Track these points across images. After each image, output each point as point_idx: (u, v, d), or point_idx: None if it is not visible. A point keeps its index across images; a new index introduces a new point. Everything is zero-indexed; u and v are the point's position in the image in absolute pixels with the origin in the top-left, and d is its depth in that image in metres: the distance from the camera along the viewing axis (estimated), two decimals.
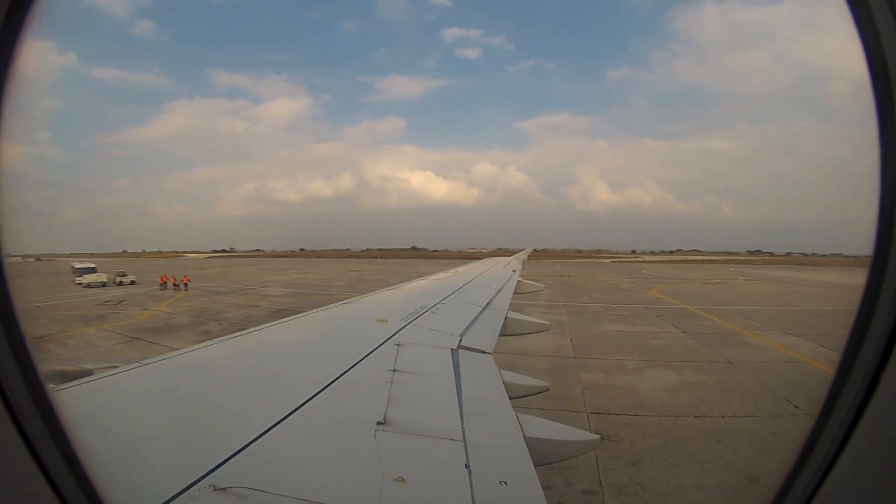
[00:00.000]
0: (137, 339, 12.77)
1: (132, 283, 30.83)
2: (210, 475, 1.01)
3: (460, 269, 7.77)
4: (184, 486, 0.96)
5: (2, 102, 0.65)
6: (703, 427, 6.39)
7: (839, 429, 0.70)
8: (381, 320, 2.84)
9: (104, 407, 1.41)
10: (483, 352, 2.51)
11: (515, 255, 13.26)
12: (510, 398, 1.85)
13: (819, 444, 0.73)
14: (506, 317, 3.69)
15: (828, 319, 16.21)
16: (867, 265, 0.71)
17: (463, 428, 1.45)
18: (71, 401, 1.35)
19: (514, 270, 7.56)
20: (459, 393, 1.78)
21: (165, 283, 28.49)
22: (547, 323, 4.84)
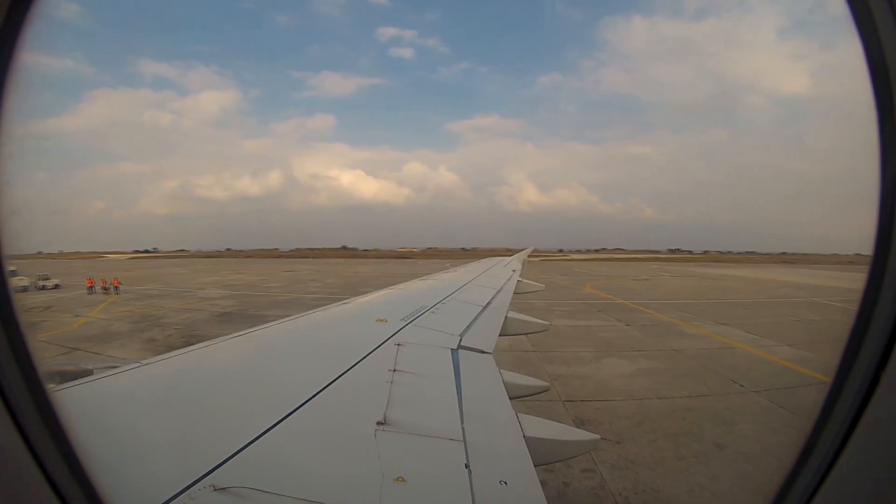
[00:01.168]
0: (77, 349, 11.82)
1: (56, 286, 28.74)
2: (210, 475, 1.01)
3: (460, 268, 7.77)
4: (184, 486, 0.96)
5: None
6: (666, 407, 7.10)
7: (839, 429, 0.70)
8: (381, 320, 2.84)
9: (104, 407, 1.41)
10: (483, 351, 2.51)
11: (516, 255, 13.25)
12: (510, 398, 1.85)
13: (819, 444, 0.73)
14: (506, 317, 3.69)
15: (752, 310, 18.24)
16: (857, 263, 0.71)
17: (463, 428, 1.45)
18: (71, 401, 1.35)
19: (513, 270, 7.56)
20: (459, 393, 1.78)
21: (93, 286, 26.65)
22: (547, 323, 4.84)
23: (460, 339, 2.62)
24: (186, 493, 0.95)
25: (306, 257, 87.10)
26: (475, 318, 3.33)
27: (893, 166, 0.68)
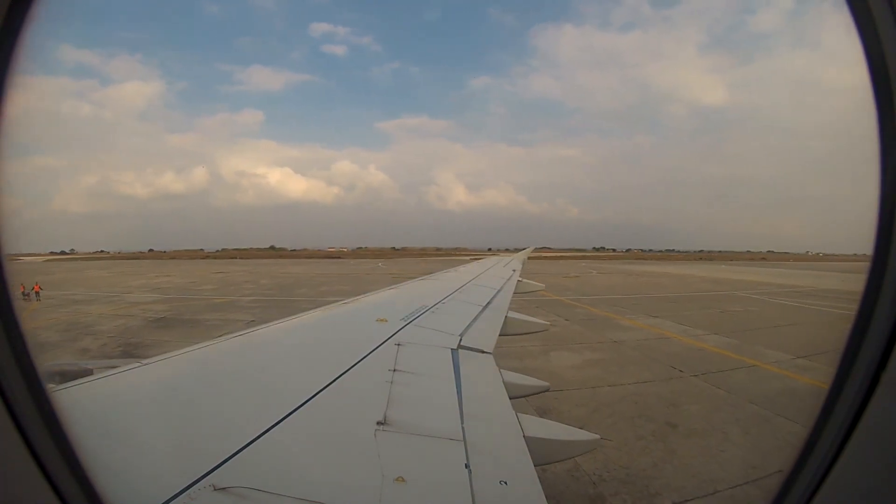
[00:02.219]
0: None
1: None
2: (210, 475, 1.01)
3: (460, 268, 7.77)
4: (184, 486, 0.96)
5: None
6: (617, 393, 7.64)
7: (839, 429, 0.70)
8: (381, 320, 2.84)
9: (104, 407, 1.41)
10: (483, 351, 2.51)
11: (516, 255, 13.25)
12: (510, 398, 1.85)
13: (819, 444, 0.73)
14: (506, 316, 3.69)
15: (679, 304, 19.44)
16: (867, 263, 0.71)
17: (463, 428, 1.45)
18: (71, 401, 1.35)
19: (514, 270, 7.56)
20: (459, 393, 1.78)
21: None
22: (547, 323, 4.85)
23: (460, 339, 2.62)
24: (186, 493, 0.95)
25: (234, 258, 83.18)
26: (475, 318, 3.33)
27: (893, 166, 0.68)
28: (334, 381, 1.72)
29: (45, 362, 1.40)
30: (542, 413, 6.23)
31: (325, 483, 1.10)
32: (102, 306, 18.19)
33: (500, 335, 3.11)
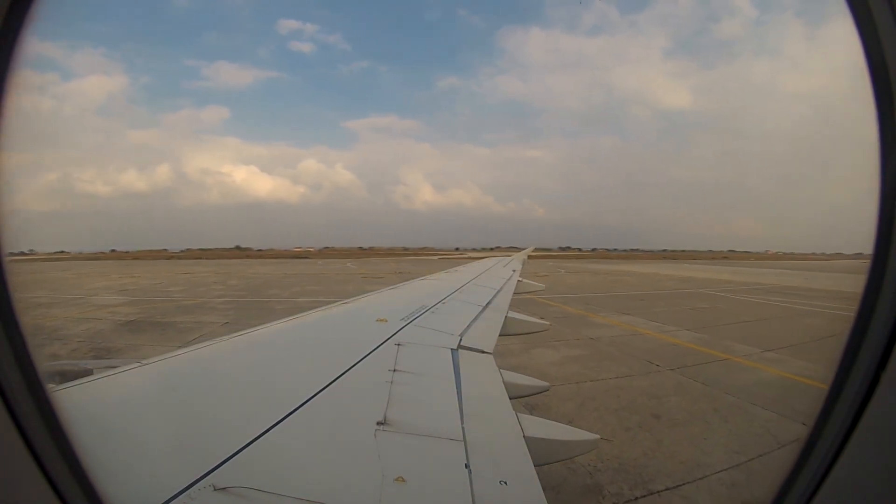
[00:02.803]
0: None
1: None
2: (210, 475, 1.01)
3: (460, 268, 7.77)
4: (184, 486, 0.96)
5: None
6: (600, 388, 7.85)
7: (839, 429, 0.70)
8: (381, 320, 2.84)
9: (104, 407, 1.41)
10: (483, 351, 2.51)
11: (516, 255, 13.26)
12: (510, 398, 1.86)
13: (819, 444, 0.73)
14: (506, 317, 3.69)
15: (647, 301, 19.65)
16: (865, 266, 0.71)
17: (463, 428, 1.45)
18: (71, 401, 1.35)
19: (514, 270, 7.56)
20: (459, 393, 1.78)
21: None
22: (547, 323, 4.85)
23: (460, 339, 2.62)
24: (186, 493, 0.95)
25: (199, 258, 79.05)
26: (475, 318, 3.33)
27: (893, 166, 0.68)
28: (334, 381, 1.72)
29: (45, 362, 1.40)
30: (533, 409, 6.22)
31: (325, 483, 1.10)
32: (68, 309, 17.36)
33: (500, 335, 3.11)
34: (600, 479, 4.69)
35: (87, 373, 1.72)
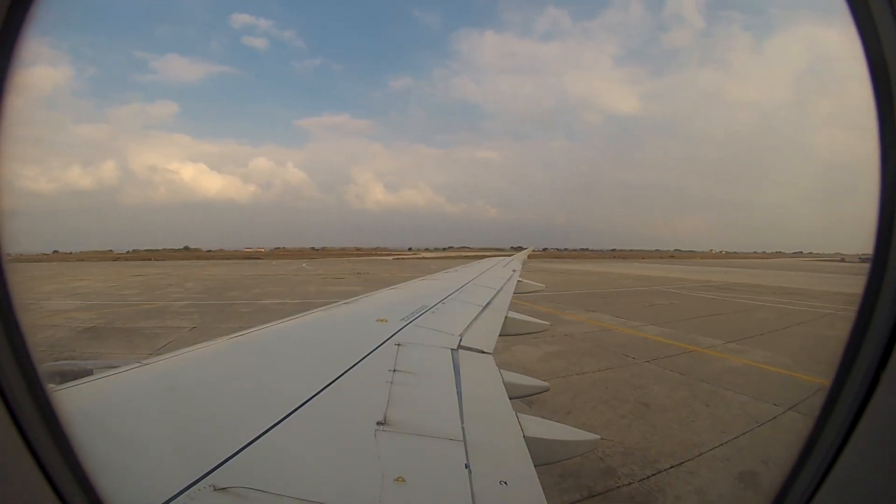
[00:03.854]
0: None
1: None
2: (210, 475, 1.01)
3: (460, 268, 7.77)
4: (184, 486, 0.96)
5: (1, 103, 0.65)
6: (587, 380, 8.32)
7: (839, 429, 0.70)
8: (381, 320, 2.84)
9: (104, 407, 1.41)
10: (483, 352, 2.51)
11: (516, 255, 13.27)
12: (510, 398, 1.85)
13: (819, 444, 0.73)
14: (506, 317, 3.69)
15: (609, 299, 20.58)
16: (869, 265, 0.71)
17: (463, 428, 1.45)
18: (71, 401, 1.35)
19: (514, 270, 7.56)
20: (459, 393, 1.78)
21: None
22: (547, 323, 4.84)
23: (460, 339, 2.62)
24: (186, 493, 0.95)
25: (148, 259, 75.66)
26: (475, 318, 3.33)
27: (893, 166, 0.68)
28: (334, 381, 1.72)
29: (45, 362, 1.40)
30: (531, 404, 6.45)
31: (325, 483, 1.10)
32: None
33: (500, 335, 3.11)
34: (611, 462, 5.09)
35: (87, 373, 1.72)
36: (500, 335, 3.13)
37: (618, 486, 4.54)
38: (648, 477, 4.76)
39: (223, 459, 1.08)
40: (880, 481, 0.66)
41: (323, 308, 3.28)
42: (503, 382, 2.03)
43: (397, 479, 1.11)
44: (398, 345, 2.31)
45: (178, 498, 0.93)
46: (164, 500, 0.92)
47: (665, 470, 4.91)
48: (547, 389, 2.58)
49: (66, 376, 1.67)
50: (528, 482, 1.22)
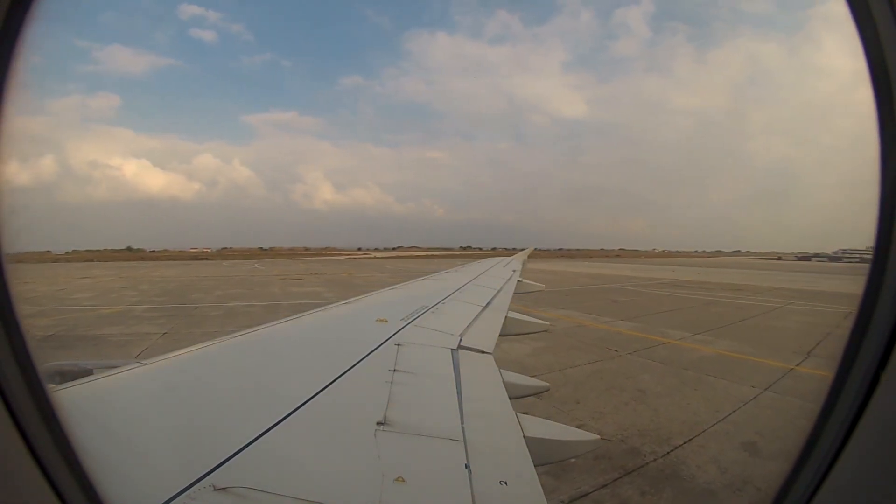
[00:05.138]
0: None
1: None
2: (210, 475, 1.01)
3: (460, 268, 7.77)
4: (184, 486, 0.96)
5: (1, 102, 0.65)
6: (582, 373, 8.76)
7: (839, 429, 0.70)
8: (381, 320, 2.84)
9: (104, 407, 1.41)
10: (483, 352, 2.51)
11: (516, 255, 13.27)
12: (510, 398, 1.85)
13: (819, 443, 0.73)
14: (506, 317, 3.69)
15: (572, 296, 20.97)
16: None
17: (463, 428, 1.45)
18: (71, 401, 1.35)
19: (514, 270, 7.56)
20: (459, 393, 1.78)
21: None
22: (548, 323, 4.84)
23: (460, 339, 2.62)
24: (186, 493, 0.95)
25: (90, 260, 71.27)
26: (475, 318, 3.33)
27: (893, 166, 0.68)
28: (334, 381, 1.72)
29: (45, 362, 1.40)
30: (540, 397, 6.64)
31: (325, 483, 1.10)
32: None
33: (500, 335, 3.11)
34: (632, 443, 5.62)
35: (87, 373, 1.72)
36: (500, 335, 3.13)
37: (646, 463, 5.06)
38: (668, 453, 5.35)
39: (223, 459, 1.08)
40: (880, 481, 0.66)
41: (323, 308, 3.28)
42: (503, 382, 2.03)
43: (397, 479, 1.11)
44: (398, 345, 2.31)
45: (178, 498, 0.93)
46: (164, 500, 0.92)
47: (680, 446, 5.54)
48: (547, 389, 2.58)
49: (66, 376, 1.67)
50: (528, 482, 1.22)
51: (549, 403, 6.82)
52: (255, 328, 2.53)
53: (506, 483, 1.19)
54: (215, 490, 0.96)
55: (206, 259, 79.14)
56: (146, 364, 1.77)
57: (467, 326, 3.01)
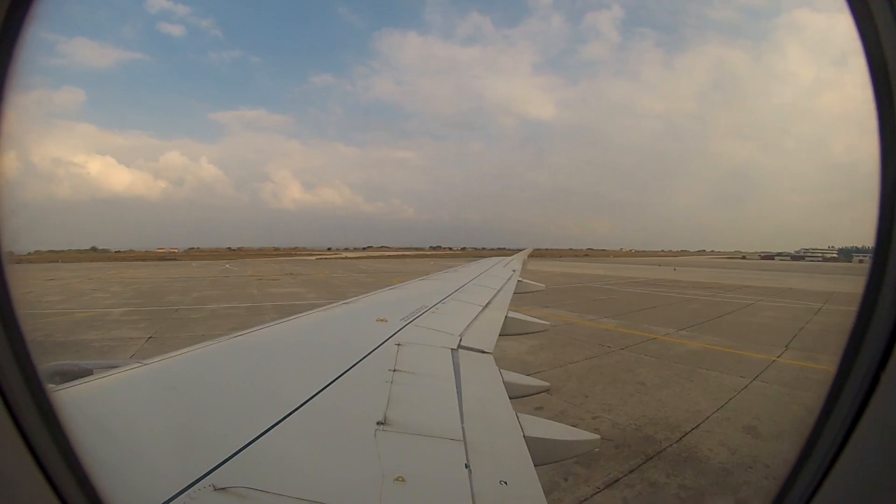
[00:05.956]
0: None
1: None
2: (210, 475, 1.01)
3: (460, 268, 7.77)
4: (184, 486, 0.96)
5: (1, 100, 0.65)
6: (582, 368, 8.96)
7: (839, 429, 0.70)
8: (381, 320, 2.84)
9: (104, 407, 1.41)
10: (483, 351, 2.51)
11: (515, 255, 13.28)
12: (510, 398, 1.86)
13: (819, 443, 0.73)
14: (506, 316, 3.69)
15: (554, 295, 20.76)
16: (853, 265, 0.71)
17: (463, 428, 1.46)
18: (71, 401, 1.35)
19: (514, 270, 7.56)
20: (459, 393, 1.78)
21: None
22: (547, 323, 4.85)
23: (460, 339, 2.62)
24: (186, 493, 0.95)
25: (54, 261, 68.55)
26: (475, 318, 3.33)
27: (893, 166, 0.68)
28: (334, 380, 1.72)
29: (44, 362, 1.40)
30: (550, 392, 7.10)
31: (325, 483, 1.10)
32: None
33: (500, 335, 3.11)
34: (646, 431, 5.93)
35: (87, 373, 1.72)
36: (500, 335, 3.13)
37: (664, 449, 5.41)
38: (680, 439, 5.71)
39: (223, 459, 1.08)
40: (881, 482, 0.66)
41: (323, 308, 3.28)
42: (503, 382, 2.03)
43: (397, 479, 1.11)
44: (398, 344, 2.31)
45: (178, 498, 0.93)
46: (164, 500, 0.92)
47: (690, 431, 5.93)
48: (547, 389, 2.58)
49: (66, 376, 1.66)
50: (528, 482, 1.22)
51: (559, 398, 7.15)
52: (255, 328, 2.53)
53: (506, 483, 1.19)
54: (215, 490, 0.96)
55: (175, 259, 77.21)
56: (146, 364, 1.77)
57: (467, 326, 3.01)
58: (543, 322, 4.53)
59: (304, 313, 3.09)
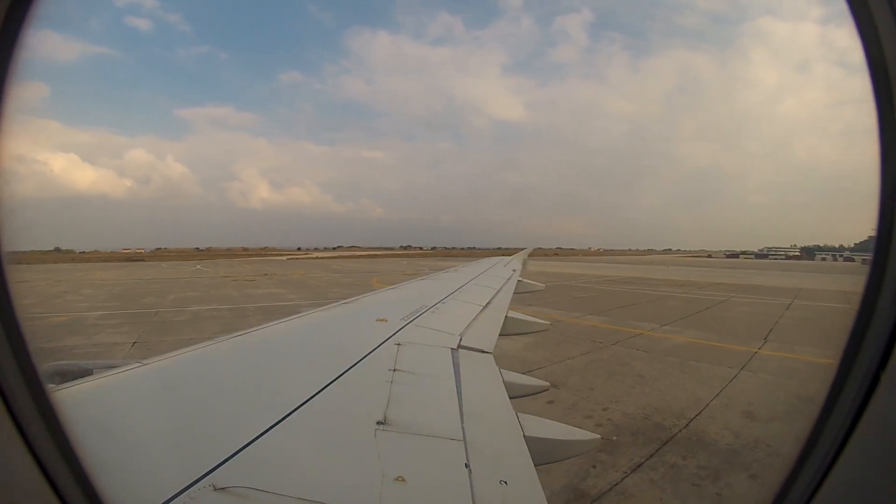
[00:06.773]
0: None
1: None
2: (210, 475, 1.01)
3: (460, 268, 7.77)
4: (184, 486, 0.96)
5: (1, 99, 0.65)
6: (580, 362, 9.22)
7: (839, 429, 0.70)
8: (381, 320, 2.84)
9: (104, 407, 1.41)
10: (483, 351, 2.51)
11: (515, 255, 13.28)
12: (510, 398, 1.86)
13: (819, 443, 0.73)
14: (506, 316, 3.69)
15: (534, 293, 20.75)
16: (869, 266, 0.71)
17: (463, 427, 1.46)
18: (71, 401, 1.35)
19: (514, 270, 7.56)
20: (459, 392, 1.78)
21: None
22: (547, 322, 4.85)
23: (460, 339, 2.62)
24: (186, 492, 0.95)
25: (17, 262, 71.14)
26: (475, 318, 3.33)
27: (893, 166, 0.68)
28: (334, 380, 1.72)
29: (44, 362, 1.40)
30: (557, 386, 7.50)
31: (325, 483, 1.10)
32: None
33: (500, 335, 3.11)
34: (655, 419, 6.29)
35: (87, 373, 1.72)
36: (500, 335, 3.13)
37: (675, 434, 5.76)
38: (687, 425, 6.10)
39: (223, 459, 1.08)
40: (880, 481, 0.66)
41: (323, 308, 3.28)
42: (503, 382, 2.03)
43: (397, 479, 1.11)
44: (398, 344, 2.31)
45: (178, 498, 0.93)
46: (164, 500, 0.92)
47: (694, 418, 6.31)
48: (547, 389, 2.58)
49: (66, 376, 1.66)
50: (528, 482, 1.22)
51: (567, 392, 7.46)
52: (255, 328, 2.52)
53: (506, 483, 1.19)
54: (215, 490, 0.96)
55: (143, 260, 74.74)
56: (146, 364, 1.77)
57: (467, 326, 3.01)
58: (543, 322, 4.53)
59: (304, 313, 3.08)
